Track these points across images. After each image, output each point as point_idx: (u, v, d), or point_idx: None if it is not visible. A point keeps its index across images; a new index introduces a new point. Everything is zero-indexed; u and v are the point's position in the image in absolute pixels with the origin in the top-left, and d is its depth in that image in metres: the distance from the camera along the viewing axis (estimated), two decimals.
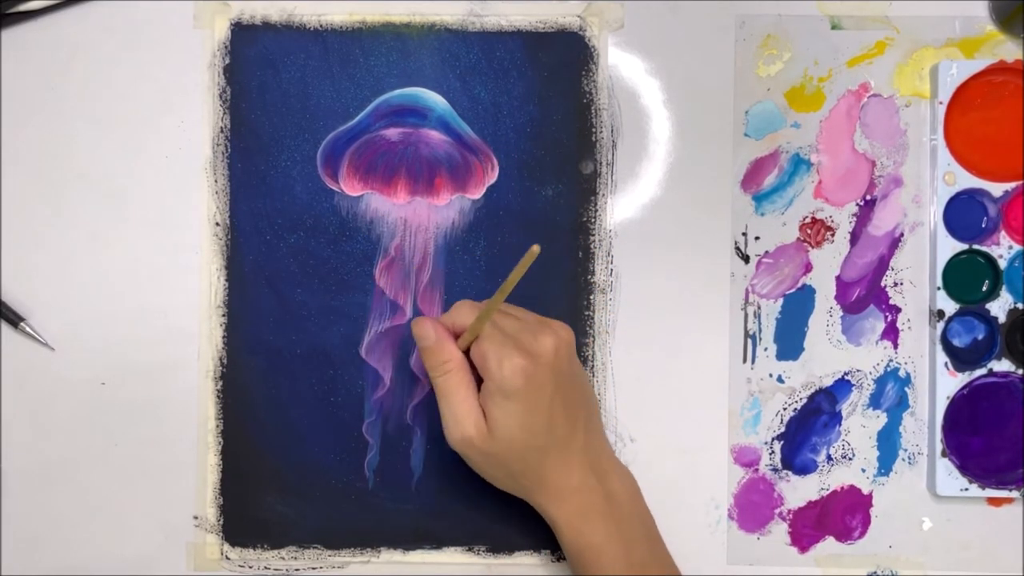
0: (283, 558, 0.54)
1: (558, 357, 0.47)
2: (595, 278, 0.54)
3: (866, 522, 0.54)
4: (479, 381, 0.47)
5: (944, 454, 0.53)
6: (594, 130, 0.54)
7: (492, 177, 0.54)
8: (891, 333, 0.54)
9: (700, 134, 0.54)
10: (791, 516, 0.54)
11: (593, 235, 0.54)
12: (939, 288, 0.53)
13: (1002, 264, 0.53)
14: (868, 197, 0.54)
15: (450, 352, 0.47)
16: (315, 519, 0.54)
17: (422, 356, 0.48)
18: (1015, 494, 0.53)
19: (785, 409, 0.54)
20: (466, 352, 0.48)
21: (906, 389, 0.54)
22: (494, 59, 0.54)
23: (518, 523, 0.54)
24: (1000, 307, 0.53)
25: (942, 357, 0.53)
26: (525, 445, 0.47)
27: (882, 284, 0.54)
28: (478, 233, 0.54)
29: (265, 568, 0.54)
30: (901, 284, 0.54)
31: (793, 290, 0.54)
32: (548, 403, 0.47)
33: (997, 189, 0.53)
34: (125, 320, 0.54)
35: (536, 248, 0.42)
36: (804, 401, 0.54)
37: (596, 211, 0.54)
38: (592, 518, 0.48)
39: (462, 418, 0.47)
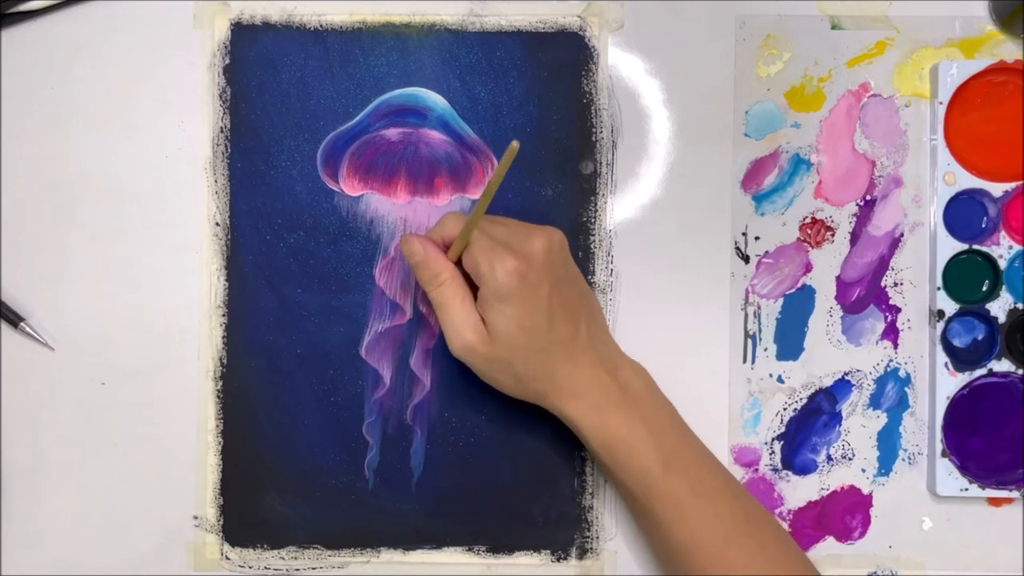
0: (283, 558, 0.54)
1: (551, 256, 0.47)
2: (595, 278, 0.54)
3: (866, 522, 0.54)
4: (475, 291, 0.48)
5: (944, 454, 0.53)
6: (594, 130, 0.54)
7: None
8: (891, 333, 0.54)
9: (700, 134, 0.54)
10: (791, 516, 0.54)
11: (593, 235, 0.54)
12: (939, 288, 0.53)
13: (1002, 264, 0.53)
14: (868, 197, 0.54)
15: (441, 264, 0.48)
16: (315, 519, 0.54)
17: (414, 272, 0.49)
18: (1015, 494, 0.53)
19: (785, 409, 0.54)
20: (458, 263, 0.48)
21: (906, 389, 0.54)
22: (494, 59, 0.54)
23: (518, 523, 0.54)
24: (1000, 307, 0.53)
25: (942, 357, 0.53)
26: (527, 346, 0.47)
27: (882, 284, 0.54)
28: None
29: (265, 568, 0.54)
30: (901, 284, 0.54)
31: (793, 290, 0.54)
32: (546, 302, 0.47)
33: (997, 189, 0.53)
34: (125, 320, 0.54)
35: (515, 144, 0.42)
36: (804, 401, 0.54)
37: (596, 211, 0.54)
38: (611, 410, 0.48)
39: (461, 326, 0.47)
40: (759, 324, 0.54)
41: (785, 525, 0.54)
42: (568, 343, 0.48)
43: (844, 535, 0.54)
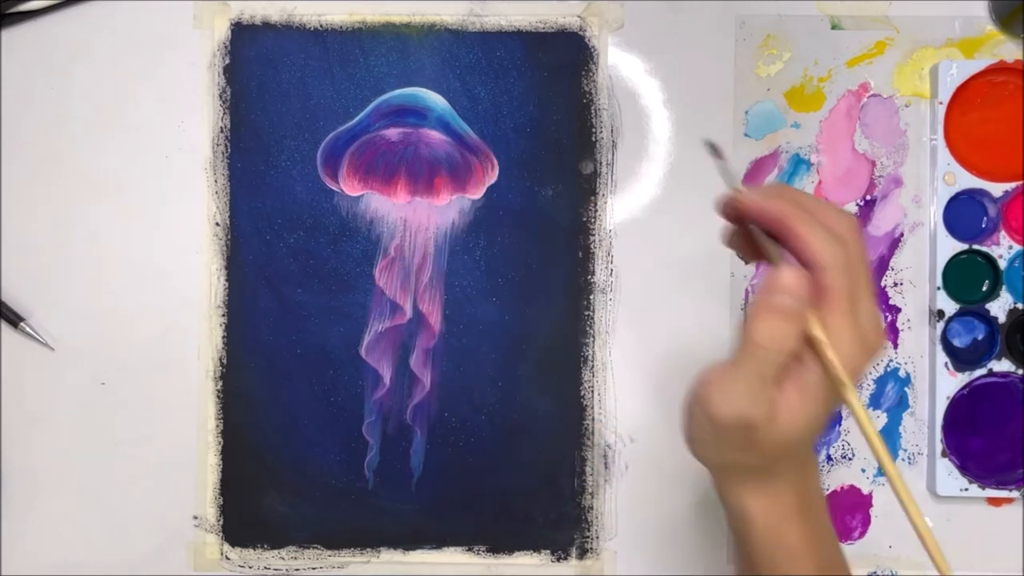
0: (283, 558, 0.54)
1: (861, 237, 0.36)
2: (595, 278, 0.54)
3: (866, 522, 0.54)
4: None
5: (944, 454, 0.53)
6: (594, 130, 0.54)
7: (492, 177, 0.54)
8: (891, 333, 0.54)
9: (700, 134, 0.54)
10: None
11: (593, 235, 0.54)
12: (939, 288, 0.53)
13: (1002, 264, 0.53)
14: (868, 197, 0.54)
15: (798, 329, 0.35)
16: (315, 519, 0.54)
17: (767, 307, 0.35)
18: (1015, 494, 0.53)
19: None
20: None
21: (906, 389, 0.54)
22: (494, 59, 0.54)
23: (518, 523, 0.54)
24: (1000, 307, 0.53)
25: (942, 357, 0.53)
26: (797, 442, 0.37)
27: (882, 284, 0.54)
28: (478, 233, 0.54)
29: (265, 568, 0.54)
30: (901, 284, 0.54)
31: None
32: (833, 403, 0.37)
33: (997, 189, 0.53)
34: (125, 320, 0.54)
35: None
36: None
37: (596, 211, 0.54)
38: (793, 518, 0.40)
39: (749, 394, 0.35)
40: None
41: None
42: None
43: (844, 535, 0.54)
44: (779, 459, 0.38)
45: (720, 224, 0.57)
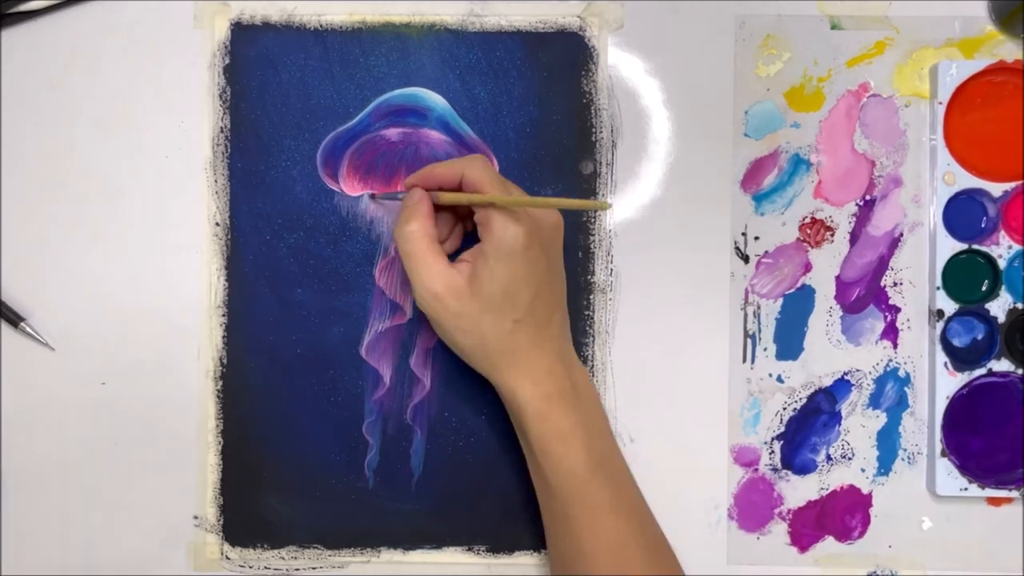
0: (283, 558, 0.54)
1: (556, 235, 0.48)
2: (595, 278, 0.54)
3: (866, 522, 0.54)
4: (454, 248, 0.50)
5: (944, 454, 0.53)
6: (594, 130, 0.54)
7: None
8: (891, 333, 0.54)
9: (700, 134, 0.54)
10: (791, 516, 0.54)
11: (593, 235, 0.54)
12: (939, 288, 0.53)
13: (1002, 264, 0.53)
14: (868, 197, 0.54)
15: (424, 213, 0.48)
16: (315, 519, 0.54)
17: (400, 219, 0.48)
18: (1015, 494, 0.53)
19: (785, 409, 0.54)
20: (449, 208, 0.50)
21: (906, 389, 0.54)
22: (494, 59, 0.54)
23: (518, 523, 0.54)
24: (1000, 307, 0.53)
25: (942, 357, 0.53)
26: (502, 313, 0.46)
27: (882, 284, 0.54)
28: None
29: (265, 568, 0.54)
30: (901, 284, 0.54)
31: (793, 290, 0.54)
32: (537, 277, 0.47)
33: (997, 189, 0.53)
34: (125, 320, 0.54)
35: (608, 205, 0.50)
36: (804, 401, 0.54)
37: (596, 211, 0.54)
38: (559, 404, 0.47)
39: (430, 276, 0.46)
40: (759, 324, 0.54)
41: (785, 525, 0.54)
42: (540, 326, 0.48)
43: (844, 535, 0.54)
44: (513, 339, 0.47)
45: (720, 223, 0.57)
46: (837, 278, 0.54)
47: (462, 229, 0.52)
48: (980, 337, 0.54)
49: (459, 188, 0.48)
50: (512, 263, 0.46)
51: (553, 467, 0.47)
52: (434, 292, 0.46)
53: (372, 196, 0.53)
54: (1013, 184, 0.53)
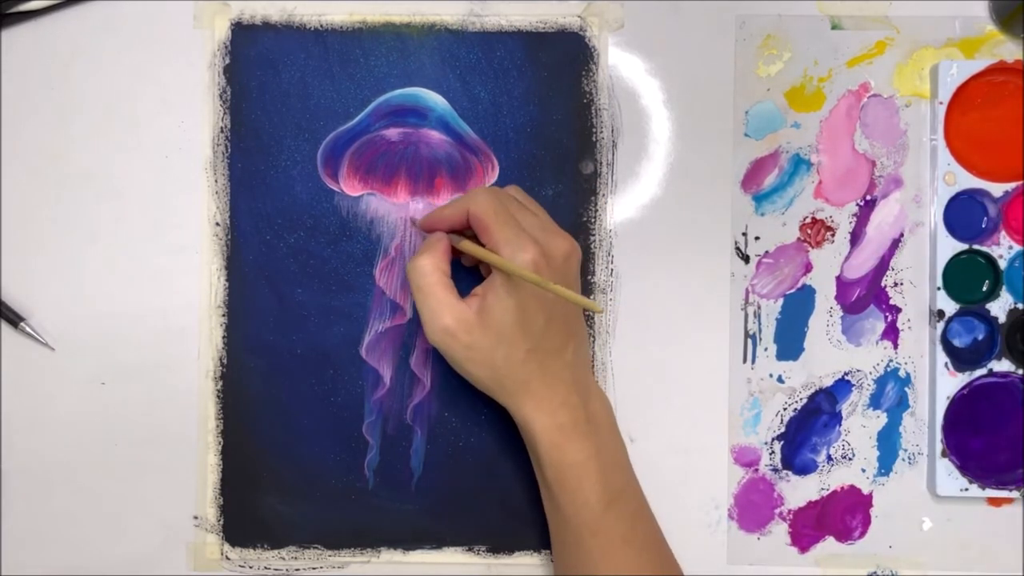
0: (283, 558, 0.54)
1: (568, 264, 0.47)
2: (595, 278, 0.54)
3: (866, 522, 0.54)
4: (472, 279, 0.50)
5: (944, 454, 0.53)
6: (594, 130, 0.54)
7: (492, 177, 0.54)
8: (891, 333, 0.54)
9: (700, 134, 0.54)
10: (791, 516, 0.54)
11: (593, 235, 0.54)
12: (939, 288, 0.53)
13: (1002, 264, 0.53)
14: (868, 197, 0.54)
15: (440, 255, 0.48)
16: (315, 519, 0.54)
17: (415, 254, 0.48)
18: (1015, 494, 0.53)
19: (785, 409, 0.54)
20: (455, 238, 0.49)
21: (906, 389, 0.54)
22: (494, 59, 0.54)
23: (518, 523, 0.54)
24: (1000, 307, 0.53)
25: (942, 357, 0.53)
26: (514, 343, 0.46)
27: (882, 284, 0.54)
28: None
29: (265, 568, 0.54)
30: (901, 284, 0.54)
31: (793, 290, 0.54)
32: (548, 308, 0.47)
33: (997, 189, 0.53)
34: (125, 320, 0.54)
35: (600, 310, 0.47)
36: (804, 401, 0.54)
37: (596, 211, 0.54)
38: (573, 436, 0.47)
39: (439, 310, 0.46)
40: (759, 324, 0.54)
41: (785, 525, 0.54)
42: (554, 354, 0.47)
43: (844, 535, 0.54)
44: (525, 368, 0.47)
45: (720, 223, 0.57)
46: (837, 278, 0.54)
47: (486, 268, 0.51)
48: (981, 337, 0.54)
49: (469, 226, 0.48)
50: (521, 292, 0.46)
51: (568, 498, 0.47)
52: (444, 326, 0.46)
53: (413, 222, 0.53)
54: (1014, 184, 0.53)
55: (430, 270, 0.47)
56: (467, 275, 0.53)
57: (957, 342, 0.54)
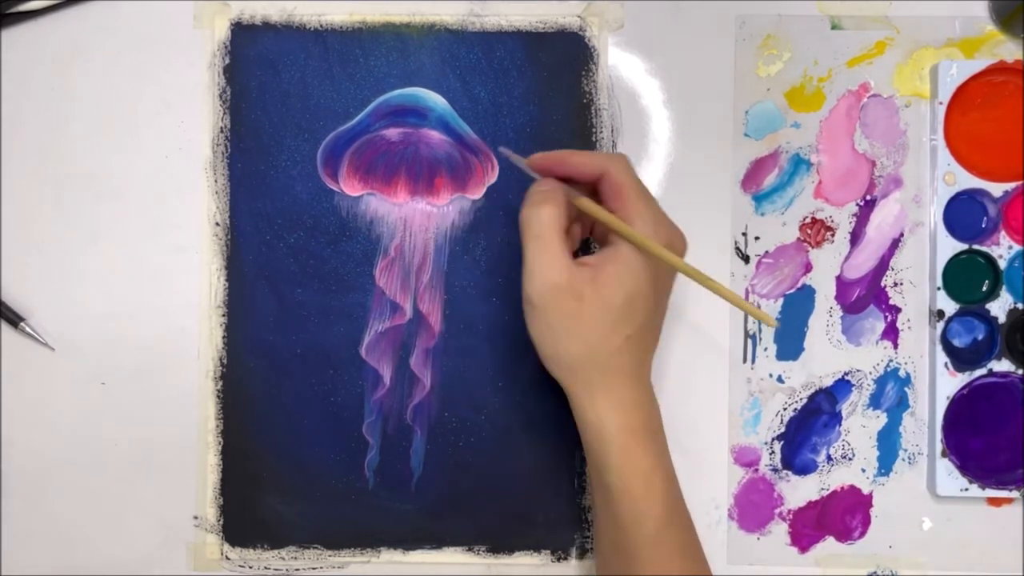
0: (283, 558, 0.54)
1: (683, 265, 0.45)
2: None
3: (866, 522, 0.54)
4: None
5: (944, 454, 0.53)
6: (594, 130, 0.54)
7: (492, 177, 0.54)
8: (891, 333, 0.54)
9: (700, 134, 0.54)
10: (791, 516, 0.54)
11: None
12: (939, 288, 0.53)
13: (1002, 264, 0.53)
14: (868, 197, 0.54)
15: (559, 195, 0.44)
16: (315, 519, 0.54)
17: (531, 200, 0.44)
18: (1015, 494, 0.53)
19: (785, 409, 0.54)
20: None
21: (906, 389, 0.54)
22: (494, 59, 0.54)
23: (518, 523, 0.54)
24: (1000, 307, 0.53)
25: (942, 357, 0.53)
26: (618, 326, 0.43)
27: (882, 284, 0.54)
28: (478, 233, 0.54)
29: (265, 568, 0.54)
30: (901, 284, 0.54)
31: (793, 290, 0.54)
32: (655, 298, 0.44)
33: (997, 189, 0.53)
34: (125, 320, 0.54)
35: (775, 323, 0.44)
36: (804, 401, 0.54)
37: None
38: (643, 440, 0.44)
39: (551, 265, 0.42)
40: (759, 324, 0.54)
41: (785, 525, 0.54)
42: (645, 350, 0.45)
43: (844, 535, 0.54)
44: (617, 355, 0.43)
45: (720, 223, 0.57)
46: (837, 278, 0.54)
47: (579, 231, 0.49)
48: (980, 337, 0.54)
49: (593, 184, 0.45)
50: (642, 273, 0.43)
51: (630, 506, 0.44)
52: (555, 282, 0.42)
53: (500, 150, 0.49)
54: (1013, 184, 0.53)
55: (552, 220, 0.43)
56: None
57: (957, 342, 0.54)
